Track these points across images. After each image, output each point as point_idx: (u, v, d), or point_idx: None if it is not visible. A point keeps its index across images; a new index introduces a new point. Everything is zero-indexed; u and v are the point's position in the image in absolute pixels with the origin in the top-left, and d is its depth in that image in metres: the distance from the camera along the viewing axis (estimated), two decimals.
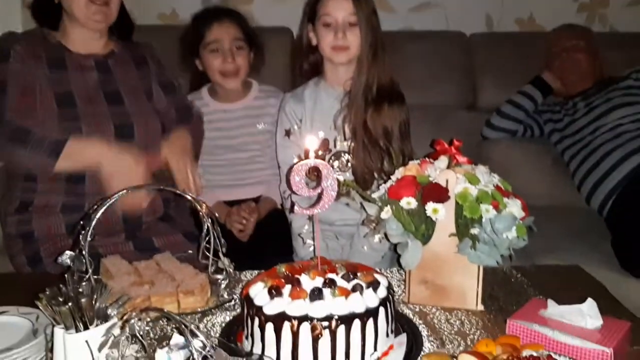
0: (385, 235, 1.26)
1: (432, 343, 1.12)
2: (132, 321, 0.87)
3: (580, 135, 2.29)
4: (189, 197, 1.26)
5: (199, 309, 1.19)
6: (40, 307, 0.92)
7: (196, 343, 0.80)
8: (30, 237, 1.61)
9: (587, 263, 1.58)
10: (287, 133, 1.82)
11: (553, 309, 1.12)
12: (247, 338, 1.04)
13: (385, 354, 1.01)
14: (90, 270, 1.12)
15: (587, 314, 1.08)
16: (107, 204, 1.13)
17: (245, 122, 2.06)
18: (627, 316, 1.19)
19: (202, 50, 2.02)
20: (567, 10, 2.78)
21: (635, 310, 1.26)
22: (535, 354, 0.92)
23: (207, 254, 1.27)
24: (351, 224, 1.79)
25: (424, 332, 1.15)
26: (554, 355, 0.94)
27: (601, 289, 1.37)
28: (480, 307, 1.25)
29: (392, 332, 1.06)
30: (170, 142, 1.69)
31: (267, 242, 1.85)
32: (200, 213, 1.24)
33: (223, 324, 1.17)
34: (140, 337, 0.85)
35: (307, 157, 1.04)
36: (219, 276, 1.27)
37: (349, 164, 1.76)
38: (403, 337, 1.06)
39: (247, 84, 2.12)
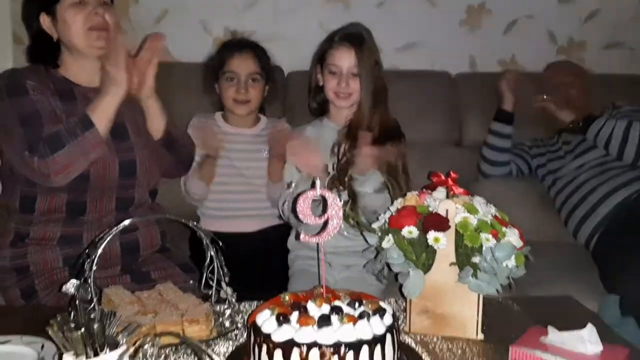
0: (387, 264, 1.28)
1: None
2: (146, 346, 0.88)
3: (566, 170, 2.32)
4: (193, 226, 1.27)
5: (204, 338, 1.19)
6: (51, 333, 0.91)
7: None
8: (26, 270, 1.59)
9: (577, 295, 1.59)
10: None
11: (554, 336, 1.14)
12: None
13: None
14: (95, 299, 1.12)
15: (587, 340, 1.10)
16: (114, 232, 1.13)
17: (252, 147, 2.11)
18: (621, 344, 1.20)
19: (220, 77, 2.11)
20: (547, 53, 2.86)
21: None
22: None
23: (210, 283, 1.27)
24: (342, 252, 1.84)
25: None
26: None
27: (594, 317, 1.40)
28: (481, 336, 1.26)
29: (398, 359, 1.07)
30: None
31: (263, 274, 1.85)
32: (205, 242, 1.25)
33: (226, 354, 1.17)
34: None
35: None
36: (222, 306, 1.27)
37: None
38: None
39: (257, 118, 2.20)
